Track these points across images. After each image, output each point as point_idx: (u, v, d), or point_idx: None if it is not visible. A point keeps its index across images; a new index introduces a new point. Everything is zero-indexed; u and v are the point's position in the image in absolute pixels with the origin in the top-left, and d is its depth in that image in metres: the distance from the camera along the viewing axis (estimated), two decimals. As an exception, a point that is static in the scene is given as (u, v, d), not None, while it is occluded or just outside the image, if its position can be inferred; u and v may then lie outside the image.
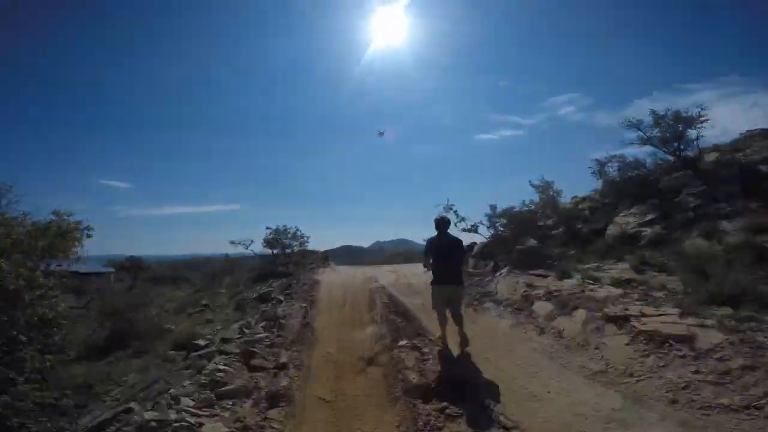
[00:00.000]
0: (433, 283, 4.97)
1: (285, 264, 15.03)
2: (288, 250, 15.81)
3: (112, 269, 26.48)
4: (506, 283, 7.21)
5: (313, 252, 17.06)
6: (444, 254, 4.87)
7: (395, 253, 23.05)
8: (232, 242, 16.08)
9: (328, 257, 16.96)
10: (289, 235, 15.71)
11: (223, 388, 4.34)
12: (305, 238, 16.00)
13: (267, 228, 15.35)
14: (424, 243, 5.32)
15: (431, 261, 4.96)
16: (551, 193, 11.47)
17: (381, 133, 31.41)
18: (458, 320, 4.89)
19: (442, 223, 5.04)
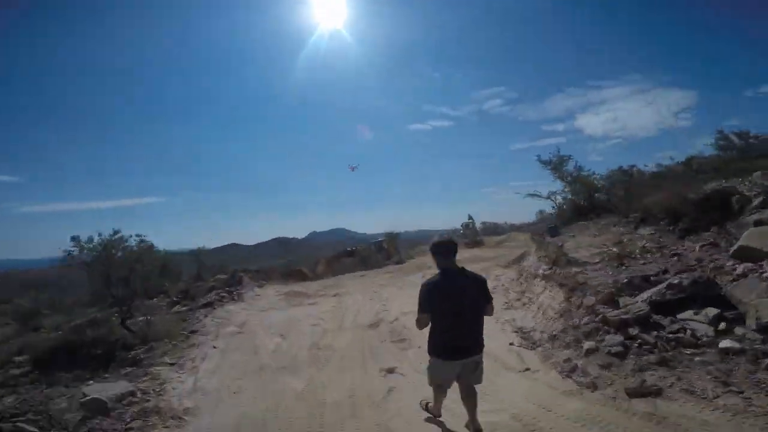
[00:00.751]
0: (440, 355, 2.95)
1: (126, 294, 7.45)
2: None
3: None
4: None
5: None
6: (462, 307, 2.82)
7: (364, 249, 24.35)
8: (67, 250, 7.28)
9: (240, 277, 10.95)
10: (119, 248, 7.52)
11: None
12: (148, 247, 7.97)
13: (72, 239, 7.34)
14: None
15: (438, 319, 2.87)
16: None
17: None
18: (473, 400, 3.11)
19: (447, 251, 2.92)
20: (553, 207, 16.13)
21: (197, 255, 13.40)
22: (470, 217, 31.48)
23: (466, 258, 17.98)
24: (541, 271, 7.22)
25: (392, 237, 27.03)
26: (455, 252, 2.99)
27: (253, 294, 10.06)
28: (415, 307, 2.94)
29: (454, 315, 2.85)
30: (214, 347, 6.17)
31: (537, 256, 8.30)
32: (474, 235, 28.40)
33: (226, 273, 12.03)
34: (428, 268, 14.08)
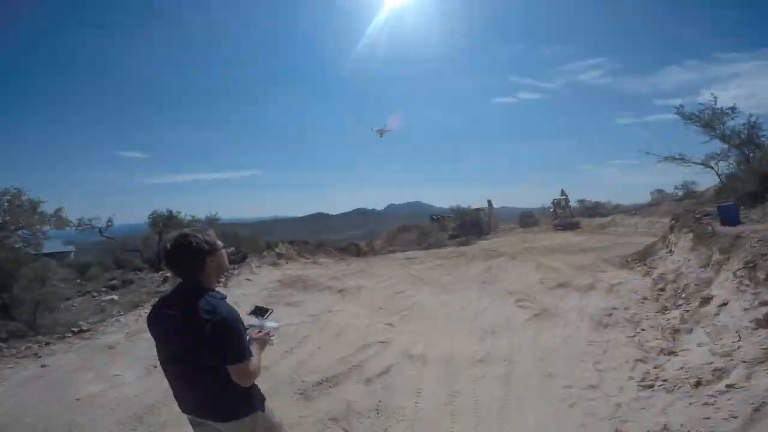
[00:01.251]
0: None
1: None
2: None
3: (72, 248, 24.85)
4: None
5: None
6: (168, 352, 1.73)
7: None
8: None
9: (244, 253, 9.71)
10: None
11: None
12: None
13: None
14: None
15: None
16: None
17: (382, 132, 23.17)
18: None
19: (174, 255, 1.67)
20: (719, 177, 10.87)
21: (210, 224, 12.24)
22: (563, 193, 25.14)
23: (556, 246, 14.38)
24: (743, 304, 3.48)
25: (490, 207, 22.92)
26: (199, 255, 1.67)
27: (241, 279, 8.01)
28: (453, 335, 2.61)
29: (164, 362, 1.76)
30: None
31: (699, 259, 4.53)
32: (567, 215, 22.91)
33: (263, 246, 11.61)
34: (497, 257, 10.72)
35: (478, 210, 23.43)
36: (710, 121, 10.57)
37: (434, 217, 25.52)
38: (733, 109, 10.05)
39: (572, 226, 20.61)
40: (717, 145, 10.53)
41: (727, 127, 10.14)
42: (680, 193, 28.03)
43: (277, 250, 14.74)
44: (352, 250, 19.59)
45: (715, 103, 10.19)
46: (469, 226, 20.88)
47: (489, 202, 25.48)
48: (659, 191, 30.68)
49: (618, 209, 29.96)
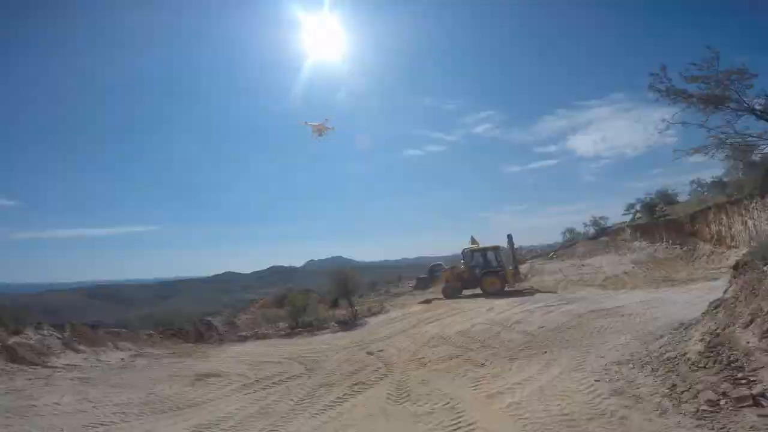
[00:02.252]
0: None
1: None
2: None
3: None
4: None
5: None
6: None
7: None
8: None
9: None
10: None
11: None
12: None
13: None
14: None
15: None
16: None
17: (320, 129, 17.35)
18: None
19: None
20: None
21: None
22: (474, 241, 21.20)
23: (473, 338, 8.64)
24: None
25: (496, 248, 16.93)
26: None
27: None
28: None
29: None
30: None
31: None
32: (469, 272, 17.59)
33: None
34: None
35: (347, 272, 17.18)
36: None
37: (438, 265, 20.01)
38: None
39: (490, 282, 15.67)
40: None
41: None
42: (592, 230, 26.77)
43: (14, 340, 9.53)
44: (190, 335, 13.57)
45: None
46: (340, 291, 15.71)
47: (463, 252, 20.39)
48: (570, 230, 29.13)
49: (531, 254, 27.45)
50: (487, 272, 15.20)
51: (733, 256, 12.96)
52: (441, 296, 15.40)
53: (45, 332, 10.46)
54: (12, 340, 9.51)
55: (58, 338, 10.43)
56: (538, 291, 14.64)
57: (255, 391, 6.92)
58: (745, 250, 12.76)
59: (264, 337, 12.71)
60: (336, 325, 12.85)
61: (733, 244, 14.98)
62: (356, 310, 14.05)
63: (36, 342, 9.87)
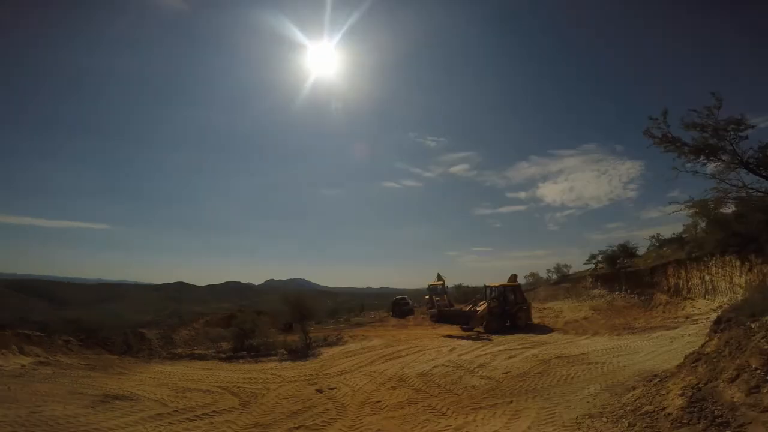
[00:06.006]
0: None
1: None
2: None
3: None
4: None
5: None
6: None
7: None
8: None
9: None
10: None
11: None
12: None
13: None
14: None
15: None
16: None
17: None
18: None
19: None
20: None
21: None
22: (440, 277, 21.39)
23: (436, 380, 6.88)
24: None
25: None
26: None
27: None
28: None
29: None
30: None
31: None
32: (445, 303, 18.76)
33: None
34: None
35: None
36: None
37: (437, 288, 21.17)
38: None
39: (459, 318, 15.64)
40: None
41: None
42: (555, 276, 27.01)
43: None
44: (116, 346, 11.80)
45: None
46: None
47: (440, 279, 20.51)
48: (534, 275, 29.40)
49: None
50: (519, 308, 16.13)
51: (689, 307, 14.89)
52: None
53: None
54: None
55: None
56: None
57: (169, 424, 5.68)
58: (711, 302, 13.92)
59: (201, 357, 11.21)
60: (285, 352, 11.56)
61: (689, 296, 15.88)
62: (310, 338, 12.79)
63: None
